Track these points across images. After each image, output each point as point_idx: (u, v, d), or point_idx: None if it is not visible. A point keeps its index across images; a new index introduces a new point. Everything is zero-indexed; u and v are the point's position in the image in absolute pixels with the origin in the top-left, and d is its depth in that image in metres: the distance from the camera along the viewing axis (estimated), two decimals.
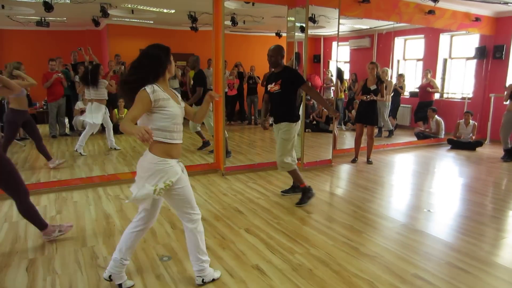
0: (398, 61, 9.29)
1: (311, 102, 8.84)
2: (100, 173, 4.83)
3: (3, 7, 5.46)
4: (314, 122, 8.41)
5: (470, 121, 7.44)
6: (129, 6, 6.52)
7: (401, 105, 8.61)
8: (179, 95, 2.41)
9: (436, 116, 7.81)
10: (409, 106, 8.93)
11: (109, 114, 6.37)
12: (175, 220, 3.55)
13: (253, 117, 9.47)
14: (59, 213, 3.75)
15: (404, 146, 7.35)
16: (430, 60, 8.66)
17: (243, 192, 4.45)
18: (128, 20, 7.61)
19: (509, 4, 6.80)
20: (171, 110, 2.21)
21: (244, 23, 7.57)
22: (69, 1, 5.64)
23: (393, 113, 8.41)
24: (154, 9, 6.80)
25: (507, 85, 7.10)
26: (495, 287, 2.52)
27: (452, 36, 8.51)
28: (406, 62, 9.34)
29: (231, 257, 2.88)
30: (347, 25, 8.25)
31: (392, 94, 8.04)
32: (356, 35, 9.60)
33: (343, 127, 8.98)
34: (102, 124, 6.61)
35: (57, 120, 6.69)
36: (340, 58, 9.36)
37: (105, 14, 5.99)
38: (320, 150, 6.45)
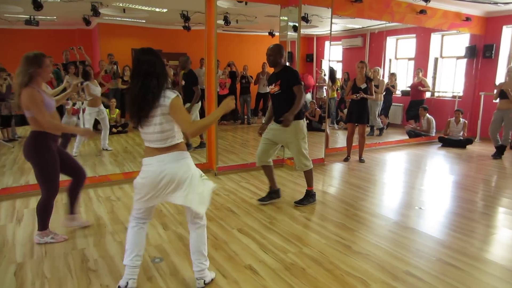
0: (390, 60, 9.37)
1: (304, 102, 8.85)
2: (91, 175, 4.78)
3: None
4: (307, 121, 8.42)
5: (461, 119, 7.52)
6: (121, 5, 6.46)
7: (393, 103, 8.68)
8: None
9: (427, 114, 7.88)
10: (401, 105, 9.00)
11: (107, 115, 6.31)
12: (167, 221, 3.53)
13: (246, 117, 9.46)
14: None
15: (396, 145, 7.40)
16: (421, 59, 8.74)
17: (236, 192, 4.45)
18: (119, 19, 7.55)
19: (498, 4, 6.88)
20: None
21: (237, 22, 7.55)
22: (59, 0, 5.58)
23: (385, 111, 8.47)
24: (146, 8, 6.75)
25: (497, 83, 7.18)
26: (486, 282, 2.55)
27: (443, 36, 8.60)
28: (398, 61, 9.42)
29: (224, 257, 2.87)
30: (340, 24, 8.29)
31: (384, 93, 8.10)
32: (348, 34, 9.65)
33: (336, 126, 9.02)
34: (97, 125, 6.55)
35: None
36: (333, 57, 9.42)
37: (96, 13, 5.92)
38: (313, 149, 6.45)
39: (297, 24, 5.27)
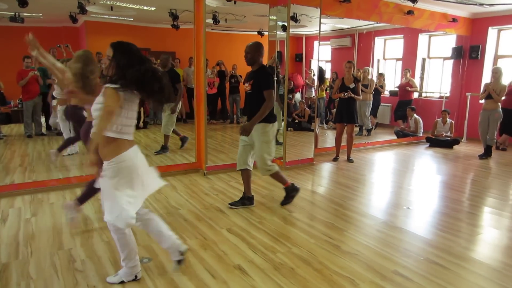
0: (378, 60, 9.44)
1: (293, 102, 8.88)
2: (78, 174, 4.71)
3: None
4: (296, 121, 8.44)
5: (448, 119, 7.63)
6: (108, 2, 6.36)
7: (381, 104, 8.75)
8: None
9: (414, 114, 7.97)
10: (389, 105, 9.08)
11: None
12: None
13: (235, 116, 9.45)
14: (34, 216, 3.63)
15: (384, 145, 7.47)
16: (409, 59, 8.84)
17: (225, 192, 4.42)
18: (107, 17, 7.43)
19: (484, 6, 7.00)
20: None
21: (226, 21, 7.52)
22: None
23: (374, 111, 8.54)
24: (134, 6, 6.67)
25: (483, 84, 7.30)
26: (472, 282, 2.59)
27: (430, 37, 8.70)
28: (386, 62, 9.50)
29: (212, 257, 2.85)
30: (329, 24, 8.32)
31: (373, 93, 8.16)
32: (337, 34, 9.69)
33: (325, 125, 9.06)
34: None
35: (33, 119, 6.49)
36: (322, 57, 9.44)
37: (83, 10, 5.81)
38: (302, 149, 6.48)
39: (286, 24, 5.28)
